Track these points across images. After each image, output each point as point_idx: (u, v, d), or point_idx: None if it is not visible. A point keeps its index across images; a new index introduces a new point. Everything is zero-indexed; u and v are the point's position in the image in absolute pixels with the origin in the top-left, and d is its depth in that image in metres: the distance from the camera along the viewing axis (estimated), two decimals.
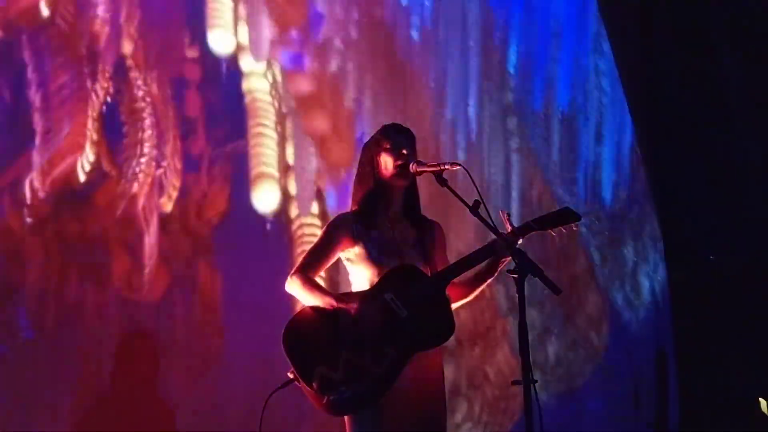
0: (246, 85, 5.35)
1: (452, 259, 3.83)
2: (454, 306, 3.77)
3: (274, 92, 5.42)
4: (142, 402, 4.83)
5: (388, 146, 3.77)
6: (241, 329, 5.16)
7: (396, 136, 3.80)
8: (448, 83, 6.46)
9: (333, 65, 5.71)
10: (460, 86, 6.52)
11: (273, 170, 5.39)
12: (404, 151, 3.75)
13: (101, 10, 4.85)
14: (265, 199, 5.34)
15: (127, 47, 4.95)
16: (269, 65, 5.42)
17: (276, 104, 5.42)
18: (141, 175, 4.92)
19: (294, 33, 5.57)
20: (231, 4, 5.29)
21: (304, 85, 5.58)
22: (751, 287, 7.28)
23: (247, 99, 5.35)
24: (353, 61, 5.80)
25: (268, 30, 5.42)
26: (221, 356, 5.12)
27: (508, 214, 3.71)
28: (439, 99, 6.39)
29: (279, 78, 5.44)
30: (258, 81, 5.38)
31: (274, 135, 5.41)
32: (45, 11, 4.63)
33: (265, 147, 5.39)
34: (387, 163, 3.76)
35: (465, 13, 6.63)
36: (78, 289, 4.67)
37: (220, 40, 5.26)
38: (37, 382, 4.53)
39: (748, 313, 7.24)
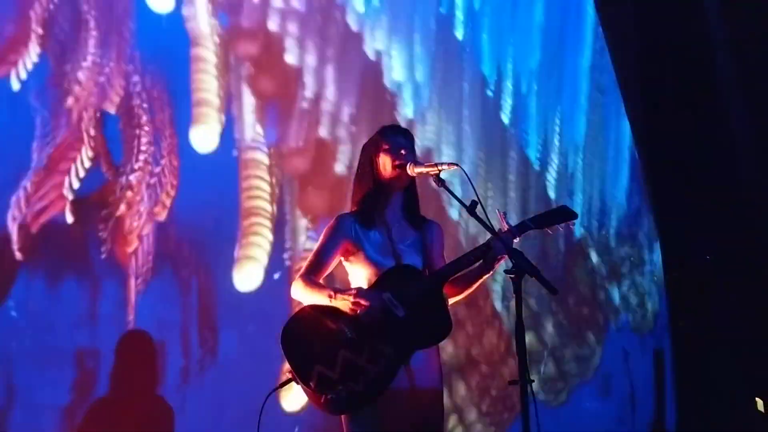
0: None
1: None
2: (449, 302, 3.79)
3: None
4: (141, 403, 4.84)
5: (386, 147, 3.78)
6: (240, 329, 5.17)
7: (394, 137, 3.81)
8: (445, 89, 6.49)
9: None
10: (457, 91, 6.55)
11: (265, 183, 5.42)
12: (402, 152, 3.76)
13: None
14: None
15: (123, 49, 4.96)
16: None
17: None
18: (138, 174, 4.93)
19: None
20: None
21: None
22: (748, 287, 7.29)
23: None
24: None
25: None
26: (220, 356, 5.12)
27: (505, 214, 3.73)
28: (438, 99, 6.41)
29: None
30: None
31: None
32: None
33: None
34: (385, 163, 3.77)
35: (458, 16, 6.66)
36: (76, 290, 4.68)
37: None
38: (35, 384, 4.53)
39: (745, 313, 7.26)
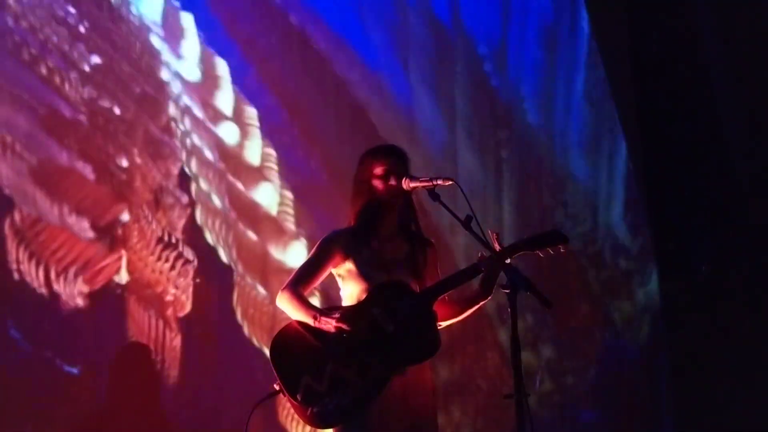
0: None
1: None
2: (443, 324, 3.78)
3: None
4: (139, 410, 4.85)
5: (379, 163, 3.78)
6: (238, 338, 5.18)
7: (385, 154, 3.81)
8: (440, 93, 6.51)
9: None
10: (449, 98, 6.57)
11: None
12: (396, 166, 3.77)
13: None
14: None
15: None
16: None
17: None
18: (141, 181, 4.93)
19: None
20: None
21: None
22: (744, 297, 7.31)
23: None
24: None
25: None
26: (218, 365, 5.13)
27: (497, 234, 3.72)
28: (433, 104, 6.43)
29: None
30: None
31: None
32: None
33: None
34: (380, 180, 3.77)
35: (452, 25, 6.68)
36: (75, 297, 4.68)
37: None
38: (34, 390, 4.54)
39: (741, 323, 7.27)
